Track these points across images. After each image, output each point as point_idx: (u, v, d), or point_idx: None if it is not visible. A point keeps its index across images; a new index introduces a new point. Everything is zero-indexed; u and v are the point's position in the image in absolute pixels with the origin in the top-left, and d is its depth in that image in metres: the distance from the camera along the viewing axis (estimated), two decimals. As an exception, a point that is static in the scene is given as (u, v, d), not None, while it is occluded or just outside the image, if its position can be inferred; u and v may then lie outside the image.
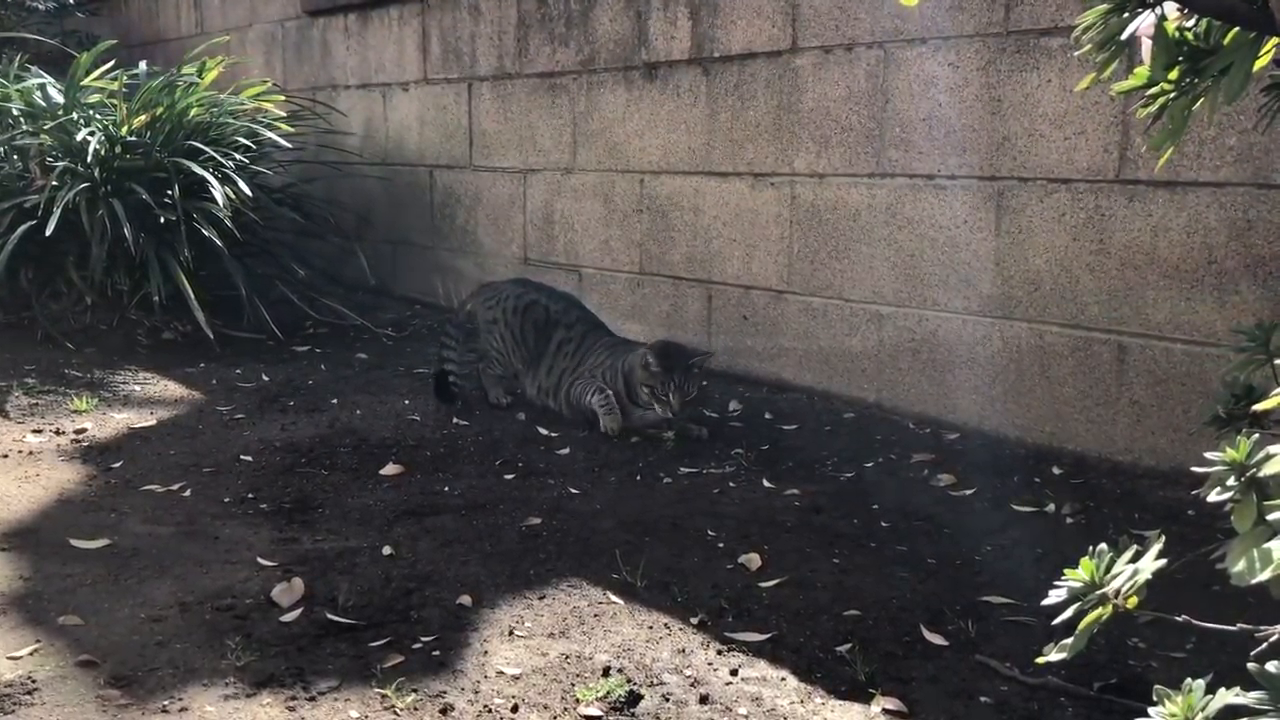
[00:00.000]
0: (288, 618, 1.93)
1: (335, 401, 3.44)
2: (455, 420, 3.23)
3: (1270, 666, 1.17)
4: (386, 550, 2.25)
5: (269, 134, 4.58)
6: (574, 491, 2.63)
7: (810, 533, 2.37)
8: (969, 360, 3.05)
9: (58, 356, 3.92)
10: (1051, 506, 2.49)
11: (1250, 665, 1.19)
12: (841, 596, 2.03)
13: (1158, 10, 1.31)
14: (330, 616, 1.93)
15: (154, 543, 2.28)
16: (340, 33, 5.39)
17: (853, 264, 3.33)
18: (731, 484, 2.72)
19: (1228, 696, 1.21)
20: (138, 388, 3.62)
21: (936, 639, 1.87)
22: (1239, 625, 1.40)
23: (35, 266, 4.27)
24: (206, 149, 4.29)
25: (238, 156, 4.39)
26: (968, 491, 2.60)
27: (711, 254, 3.76)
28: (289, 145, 4.63)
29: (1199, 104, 1.43)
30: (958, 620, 1.94)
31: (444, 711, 1.63)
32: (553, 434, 3.11)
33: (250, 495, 2.58)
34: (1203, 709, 1.22)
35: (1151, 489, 2.59)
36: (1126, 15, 1.34)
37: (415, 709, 1.63)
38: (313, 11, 5.48)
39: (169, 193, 4.15)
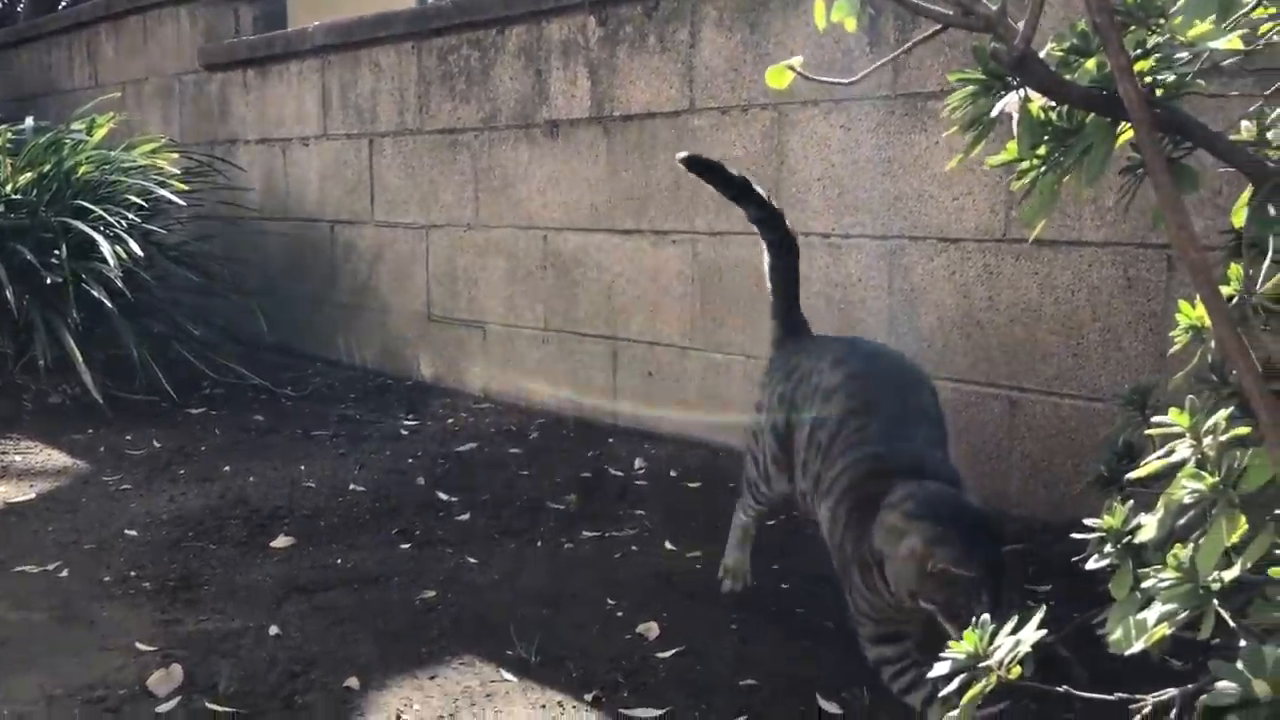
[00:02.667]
0: (163, 708, 1.84)
1: (228, 469, 3.33)
2: (352, 486, 3.15)
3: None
4: (273, 630, 2.17)
5: (162, 191, 4.47)
6: (472, 561, 2.58)
7: (711, 598, 2.35)
8: (868, 416, 3.08)
9: (-66, 425, 3.76)
10: (948, 563, 2.50)
11: (1126, 743, 1.20)
12: (739, 666, 2.01)
13: (1021, 92, 1.34)
14: (209, 705, 1.85)
15: (24, 630, 2.17)
16: (239, 87, 5.31)
17: (754, 321, 3.34)
18: (634, 547, 2.69)
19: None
20: (18, 458, 3.47)
21: (832, 708, 1.86)
22: (1116, 695, 1.42)
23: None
24: (95, 208, 4.17)
25: (129, 215, 4.28)
26: (867, 550, 2.61)
27: (616, 310, 3.75)
28: (183, 203, 4.53)
29: (1066, 179, 1.47)
30: (855, 687, 1.93)
31: (323, 808, 1.57)
32: (453, 499, 3.05)
33: (132, 573, 2.47)
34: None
35: (1047, 544, 2.62)
36: (992, 97, 1.37)
37: (293, 807, 1.57)
38: (210, 66, 5.40)
39: (56, 252, 4.03)
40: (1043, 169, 1.49)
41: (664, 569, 2.53)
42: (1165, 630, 1.29)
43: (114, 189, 4.42)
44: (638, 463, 3.40)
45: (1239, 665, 1.03)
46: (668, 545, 2.69)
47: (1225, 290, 1.49)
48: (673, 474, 3.29)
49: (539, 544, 2.71)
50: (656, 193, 3.56)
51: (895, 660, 1.82)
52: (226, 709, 1.84)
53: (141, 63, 5.96)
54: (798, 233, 3.17)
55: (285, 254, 5.15)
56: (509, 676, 1.98)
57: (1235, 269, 1.55)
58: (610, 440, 3.65)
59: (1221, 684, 1.04)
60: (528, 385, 4.12)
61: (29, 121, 4.84)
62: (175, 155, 4.69)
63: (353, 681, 1.95)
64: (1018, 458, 2.79)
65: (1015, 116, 1.42)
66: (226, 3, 5.45)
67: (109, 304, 3.98)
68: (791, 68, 1.31)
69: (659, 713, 1.84)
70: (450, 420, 3.98)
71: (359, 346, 4.89)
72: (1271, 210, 1.29)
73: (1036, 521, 2.71)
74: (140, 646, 2.09)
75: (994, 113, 1.43)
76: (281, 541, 2.69)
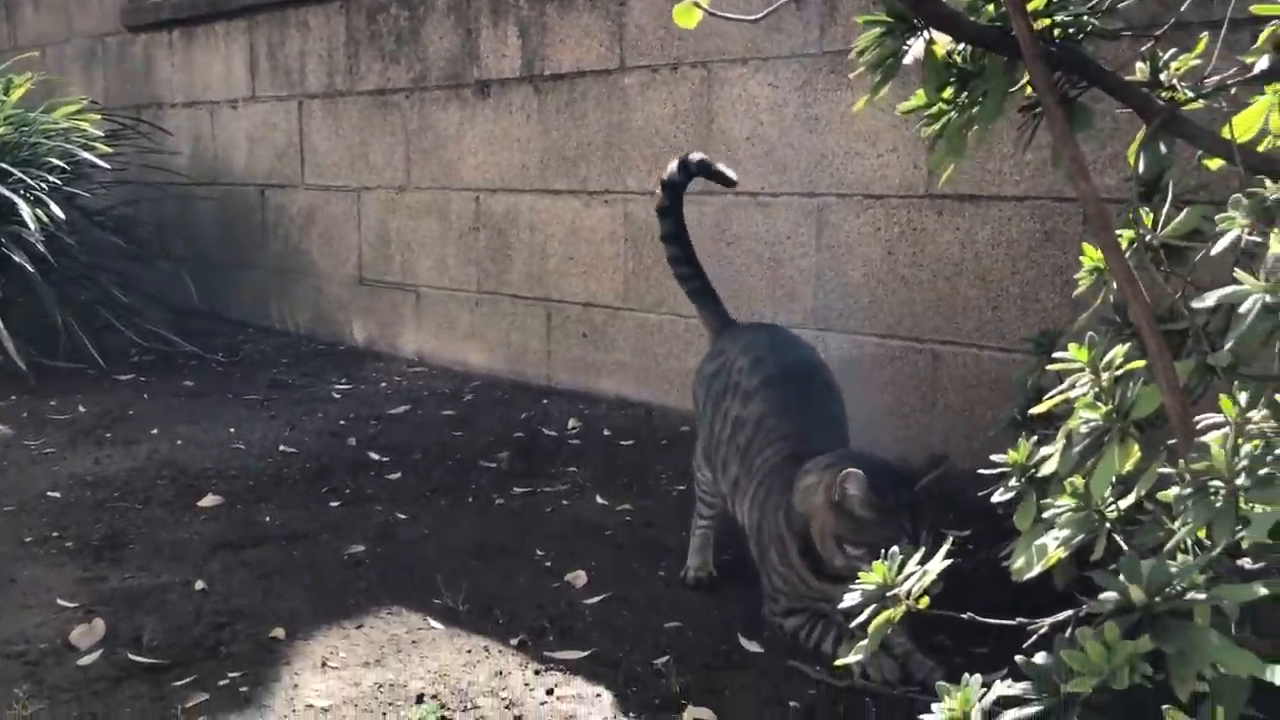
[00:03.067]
0: (85, 661, 1.83)
1: (156, 432, 3.30)
2: (282, 448, 3.14)
3: (1038, 659, 1.23)
4: (200, 585, 2.16)
5: (85, 154, 4.37)
6: (402, 517, 2.58)
7: (639, 547, 2.38)
8: (796, 372, 3.12)
9: None
10: (872, 512, 2.56)
11: (1018, 658, 1.25)
12: (664, 610, 2.05)
13: (925, 35, 1.37)
14: (132, 657, 1.84)
15: (-57, 589, 2.14)
16: (164, 49, 5.20)
17: (684, 280, 3.36)
18: (565, 502, 2.71)
19: (1000, 689, 1.26)
20: (-63, 423, 3.41)
21: (754, 647, 1.90)
22: (1018, 620, 1.47)
23: None
24: (15, 170, 4.07)
25: (50, 178, 4.18)
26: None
27: (549, 272, 3.75)
28: (108, 166, 4.43)
29: (974, 126, 1.51)
30: (775, 628, 1.97)
31: (246, 750, 1.58)
32: (384, 459, 3.05)
33: (54, 534, 2.44)
34: (979, 701, 1.27)
35: (966, 489, 2.68)
36: (897, 39, 1.39)
37: (215, 750, 1.58)
38: (134, 27, 5.28)
39: (-28, 216, 3.93)
40: (953, 113, 1.52)
41: (594, 521, 2.56)
42: (1061, 553, 1.34)
43: (34, 151, 4.31)
44: (571, 422, 3.41)
45: (1120, 577, 1.08)
46: (599, 499, 2.72)
47: (1129, 233, 1.54)
48: (606, 433, 3.31)
49: (470, 500, 2.72)
50: (588, 152, 3.56)
51: (805, 623, 1.90)
52: (149, 660, 1.83)
53: (61, 23, 5.80)
54: (727, 191, 3.20)
55: (215, 219, 5.07)
56: (436, 624, 2.00)
57: (1141, 211, 1.60)
58: (544, 401, 3.66)
59: (1104, 594, 1.08)
60: (462, 348, 4.11)
61: (-57, 83, 4.70)
62: (98, 117, 4.58)
63: (279, 632, 1.95)
64: (941, 408, 2.85)
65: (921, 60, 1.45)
66: (150, -39, 5.33)
67: (30, 269, 3.89)
68: (698, 4, 1.32)
69: (583, 654, 1.86)
70: (384, 383, 3.97)
71: (291, 311, 4.84)
72: (1162, 148, 1.33)
73: (956, 470, 2.78)
74: (62, 603, 2.07)
75: (907, 60, 1.46)
76: (209, 501, 2.67)
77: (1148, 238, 1.54)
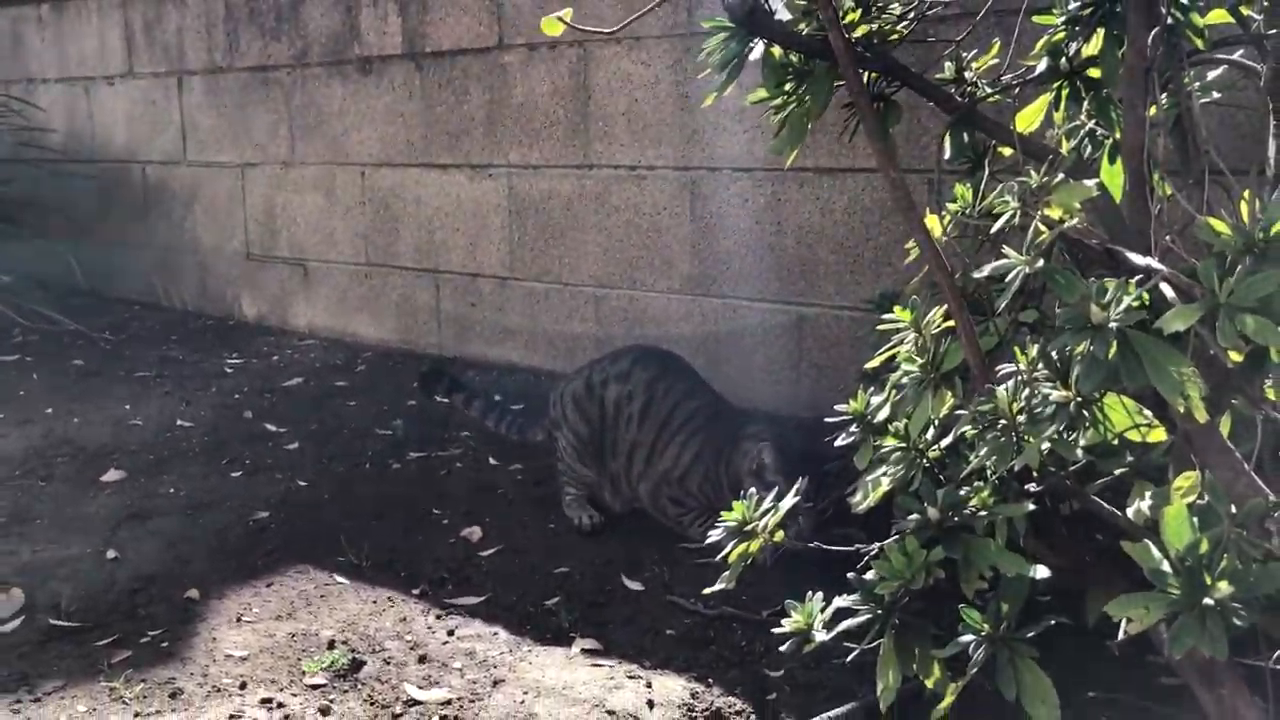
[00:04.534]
0: (7, 628, 1.95)
1: (50, 411, 3.34)
2: (179, 422, 3.22)
3: (867, 575, 1.46)
4: (110, 554, 2.27)
5: (-44, 133, 4.32)
6: (302, 484, 2.71)
7: (530, 503, 2.56)
8: (675, 336, 3.32)
9: None
10: (745, 462, 2.78)
11: (850, 575, 1.47)
12: (554, 557, 2.24)
13: (763, 40, 1.57)
14: (53, 622, 1.96)
15: None
16: (34, 23, 5.11)
17: (569, 250, 3.54)
18: (459, 465, 2.87)
19: (837, 601, 1.49)
20: None
21: (635, 585, 2.11)
22: (857, 546, 1.70)
23: None
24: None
25: (-79, 158, 4.13)
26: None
27: (437, 244, 3.88)
28: (-20, 145, 4.39)
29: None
30: (656, 568, 2.18)
31: (173, 695, 1.72)
32: (281, 430, 3.16)
33: (-41, 512, 2.52)
34: (820, 612, 1.50)
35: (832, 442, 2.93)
36: (739, 42, 1.59)
37: (144, 696, 1.71)
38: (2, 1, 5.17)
39: None
40: (794, 104, 1.73)
41: (487, 481, 2.73)
42: (887, 486, 1.57)
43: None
44: (463, 389, 3.56)
45: (920, 501, 1.31)
46: (491, 461, 2.88)
47: (952, 206, 1.78)
48: (496, 398, 3.47)
49: (367, 466, 2.86)
50: (471, 128, 3.69)
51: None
52: (70, 624, 1.95)
53: (-79, -4, 5.63)
54: (606, 165, 3.38)
55: (94, 197, 5.03)
56: (342, 579, 2.15)
57: (961, 189, 1.84)
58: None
59: (909, 516, 1.31)
60: (352, 320, 4.21)
61: None
62: (-31, 95, 4.51)
63: (193, 593, 2.09)
64: (807, 366, 3.09)
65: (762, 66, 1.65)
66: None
67: (-95, 251, 3.86)
68: (562, 19, 1.49)
69: (480, 599, 2.04)
70: (275, 357, 4.05)
71: (177, 288, 4.85)
72: (965, 137, 1.56)
73: (825, 425, 3.02)
74: (-24, 576, 2.16)
75: (750, 55, 1.66)
76: (112, 475, 2.76)
77: (965, 212, 1.77)
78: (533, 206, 3.60)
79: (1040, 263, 1.18)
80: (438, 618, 1.98)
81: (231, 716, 1.65)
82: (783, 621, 1.54)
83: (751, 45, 1.59)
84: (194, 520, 2.47)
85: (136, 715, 1.67)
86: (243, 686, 1.75)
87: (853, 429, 1.76)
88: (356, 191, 4.07)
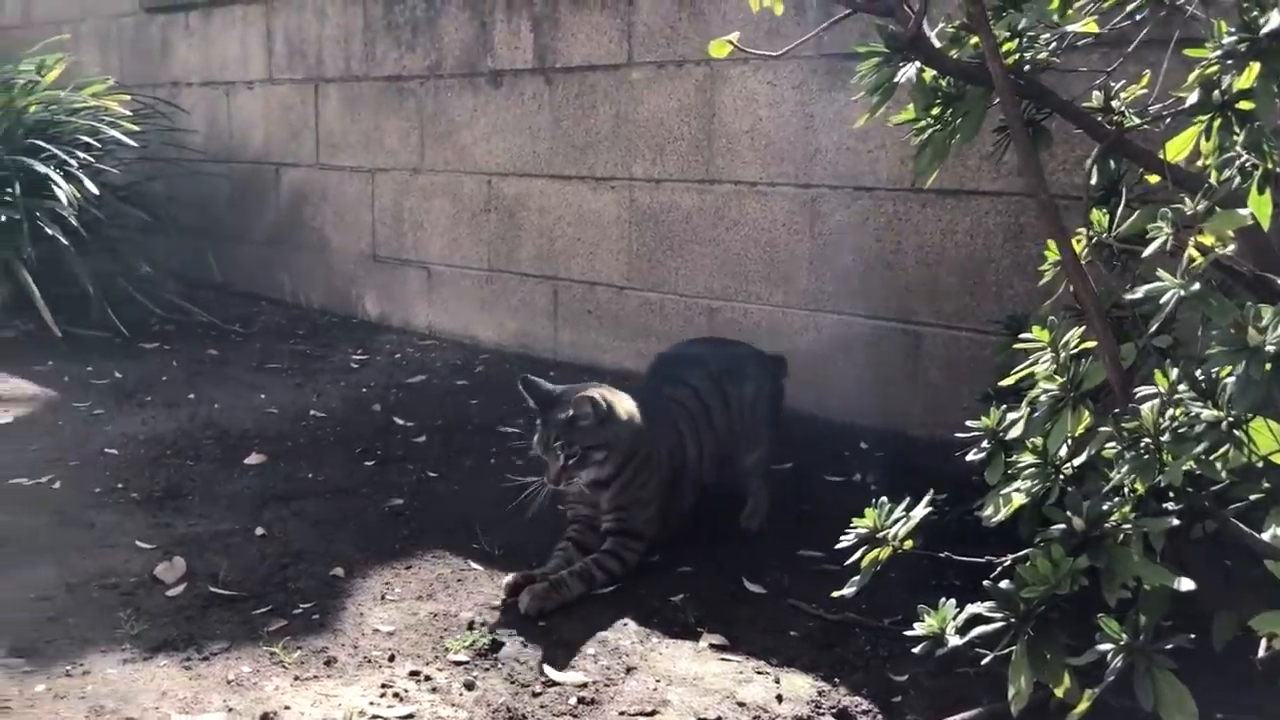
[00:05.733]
0: (173, 592, 2.09)
1: (192, 396, 3.54)
2: (312, 412, 3.39)
3: (1002, 584, 1.50)
4: (259, 531, 2.42)
5: (112, 132, 4.58)
6: (433, 475, 2.84)
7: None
8: (788, 350, 3.38)
9: (-106, 357, 3.88)
10: (858, 476, 2.84)
11: (985, 584, 1.52)
12: (675, 557, 2.32)
13: (916, 63, 1.63)
14: (213, 589, 2.10)
15: (30, 532, 2.39)
16: (181, 30, 5.39)
17: (686, 262, 3.63)
18: (578, 464, 2.97)
19: (971, 608, 1.54)
20: (-14, 386, 3.64)
21: (756, 589, 2.18)
22: (986, 558, 1.75)
23: None
24: (49, 147, 4.28)
25: (81, 154, 4.39)
26: (786, 465, 2.93)
27: (557, 252, 4.00)
28: (133, 143, 4.65)
29: (955, 137, 1.77)
30: (776, 573, 2.25)
31: (328, 663, 1.84)
32: (408, 423, 3.30)
33: (120, 485, 2.69)
34: (953, 619, 1.55)
35: (944, 460, 2.96)
36: (892, 66, 1.66)
37: (302, 662, 1.84)
38: (152, 9, 5.47)
39: (9, 191, 4.14)
40: (936, 128, 1.79)
41: (607, 482, 2.82)
42: (1023, 500, 1.61)
43: (63, 129, 4.52)
44: (578, 393, 3.66)
45: (1066, 511, 1.36)
46: (609, 463, 2.97)
47: (1088, 232, 1.82)
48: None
49: (492, 461, 2.98)
50: (596, 141, 3.81)
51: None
52: (229, 592, 2.09)
53: (77, 4, 5.98)
54: (727, 180, 3.46)
55: (230, 196, 5.29)
56: (476, 565, 2.26)
57: (1097, 214, 1.88)
58: (551, 373, 3.89)
59: (1053, 527, 1.36)
60: (472, 323, 4.36)
61: (-28, 61, 4.89)
62: (127, 97, 4.78)
63: (338, 570, 2.21)
64: (921, 385, 3.13)
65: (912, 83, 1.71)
66: (166, -56, 5.51)
67: (64, 241, 4.11)
68: (731, 42, 1.58)
69: (608, 590, 2.13)
70: (398, 355, 4.21)
71: (304, 286, 5.07)
72: (1111, 164, 1.60)
73: (937, 441, 3.06)
74: (140, 544, 2.32)
75: (898, 79, 1.72)
76: (254, 459, 2.92)
77: (1103, 236, 1.82)
78: (652, 218, 3.70)
79: (1195, 286, 1.22)
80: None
81: (384, 685, 1.76)
82: (915, 626, 1.60)
83: (903, 69, 1.66)
84: (333, 504, 2.61)
85: (296, 679, 1.79)
86: (391, 659, 1.86)
87: (984, 444, 1.81)
88: (481, 199, 4.22)
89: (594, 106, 3.79)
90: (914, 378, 3.14)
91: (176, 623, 1.97)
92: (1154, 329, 1.34)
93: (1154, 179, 1.59)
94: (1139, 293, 1.34)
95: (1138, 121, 1.59)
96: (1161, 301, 1.26)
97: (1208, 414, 1.22)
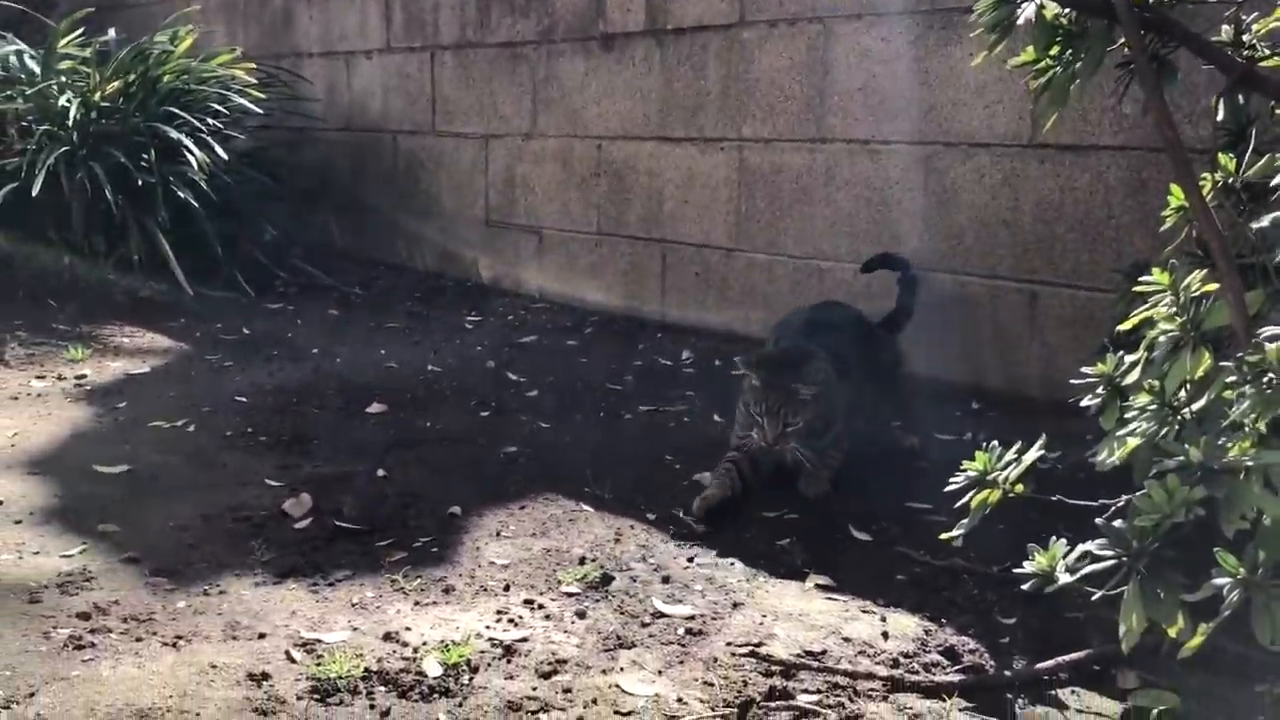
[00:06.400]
0: (300, 525, 2.20)
1: (316, 351, 3.68)
2: (430, 367, 3.49)
3: (1115, 524, 1.49)
4: (380, 473, 2.52)
5: (239, 100, 4.77)
6: (544, 426, 2.91)
7: (757, 457, 2.67)
8: (899, 309, 3.36)
9: (42, 313, 4.11)
10: (969, 435, 2.81)
11: (1098, 521, 1.51)
12: (783, 504, 2.34)
13: (1035, 1, 1.61)
14: (337, 523, 2.20)
15: (169, 469, 2.53)
16: (303, 3, 5.56)
17: (795, 223, 3.62)
18: (685, 419, 3.01)
19: (1082, 546, 1.53)
20: (126, 339, 3.84)
21: (863, 536, 2.19)
22: (1099, 501, 1.73)
23: (14, 227, 4.44)
24: (182, 114, 4.48)
25: (210, 121, 4.58)
26: (896, 424, 2.91)
27: (666, 215, 4.03)
28: (259, 111, 4.83)
29: (1077, 80, 1.74)
30: (883, 522, 2.25)
31: (446, 591, 1.91)
32: (521, 379, 3.38)
33: (249, 430, 2.83)
34: (1063, 557, 1.54)
35: (1059, 419, 2.91)
36: (1011, 4, 1.63)
37: (421, 590, 1.92)
38: (276, -19, 5.65)
39: (145, 156, 4.34)
40: (1057, 68, 1.76)
41: (713, 436, 2.85)
42: (1137, 442, 1.59)
43: (194, 97, 4.71)
44: (685, 354, 3.71)
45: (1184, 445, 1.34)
46: (715, 418, 3.01)
47: (1216, 175, 1.78)
48: (717, 363, 3.60)
49: (601, 415, 3.03)
50: (706, 102, 3.82)
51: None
52: (352, 526, 2.19)
53: (207, -24, 6.21)
54: (839, 139, 3.44)
55: (349, 163, 5.45)
56: (587, 508, 2.32)
57: (1224, 157, 1.83)
58: (659, 335, 3.96)
59: (1170, 460, 1.34)
60: (581, 286, 4.43)
61: (111, 33, 5.13)
62: (252, 65, 4.96)
63: (455, 509, 2.29)
64: (1037, 345, 3.08)
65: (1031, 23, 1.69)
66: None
67: (195, 205, 4.30)
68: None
69: (716, 533, 2.17)
70: (510, 317, 4.30)
71: (419, 250, 5.20)
72: (1240, 99, 1.56)
73: (1054, 402, 3.01)
74: (269, 483, 2.44)
75: (1019, 20, 1.70)
76: (376, 408, 3.03)
77: (1230, 180, 1.77)
78: (762, 180, 3.70)
79: (1326, 212, 1.19)
80: (678, 546, 2.12)
81: (499, 612, 1.83)
82: (1024, 564, 1.60)
83: (1022, 7, 1.63)
84: (451, 450, 2.70)
85: (416, 604, 1.87)
86: (506, 589, 1.93)
87: (1099, 390, 1.79)
88: (592, 163, 4.27)
89: (704, 67, 3.80)
90: (1030, 338, 3.09)
91: (304, 552, 2.07)
92: (1280, 258, 1.31)
93: (1283, 113, 1.55)
94: (1265, 220, 1.31)
95: (1270, 54, 1.54)
96: (1289, 228, 1.24)
97: (1335, 342, 1.19)
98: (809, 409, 2.37)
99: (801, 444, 2.38)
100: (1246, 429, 1.40)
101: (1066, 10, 1.64)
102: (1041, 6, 1.63)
